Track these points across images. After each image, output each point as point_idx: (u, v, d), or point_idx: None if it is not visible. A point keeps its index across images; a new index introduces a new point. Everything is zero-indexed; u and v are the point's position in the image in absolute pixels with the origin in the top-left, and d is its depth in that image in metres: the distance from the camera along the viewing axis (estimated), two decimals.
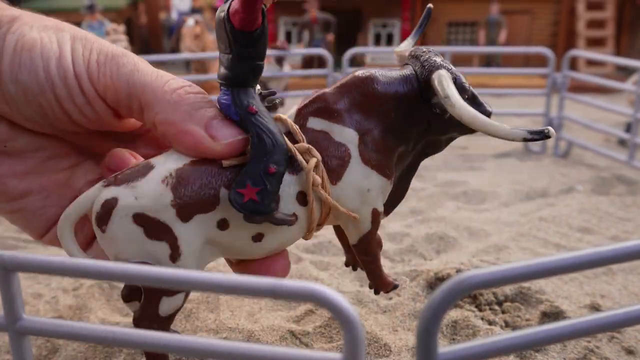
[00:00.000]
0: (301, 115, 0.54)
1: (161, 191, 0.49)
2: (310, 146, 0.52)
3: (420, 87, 0.55)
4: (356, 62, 4.16)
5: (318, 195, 0.52)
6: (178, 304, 0.52)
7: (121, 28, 2.36)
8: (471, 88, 0.56)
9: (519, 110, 2.09)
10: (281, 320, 0.69)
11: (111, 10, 4.31)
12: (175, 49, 4.20)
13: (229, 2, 0.48)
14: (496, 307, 0.72)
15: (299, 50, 1.77)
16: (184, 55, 2.53)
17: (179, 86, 0.51)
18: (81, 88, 0.50)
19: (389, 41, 4.35)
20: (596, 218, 1.07)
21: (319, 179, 0.52)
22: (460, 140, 1.82)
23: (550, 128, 0.50)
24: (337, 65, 1.64)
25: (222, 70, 0.50)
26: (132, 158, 0.56)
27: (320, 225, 0.55)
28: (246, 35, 0.48)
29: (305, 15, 3.85)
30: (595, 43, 4.12)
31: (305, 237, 0.56)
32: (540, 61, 4.17)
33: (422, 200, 1.17)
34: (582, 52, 1.58)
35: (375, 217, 0.57)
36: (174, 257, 0.50)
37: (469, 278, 0.31)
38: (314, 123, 0.54)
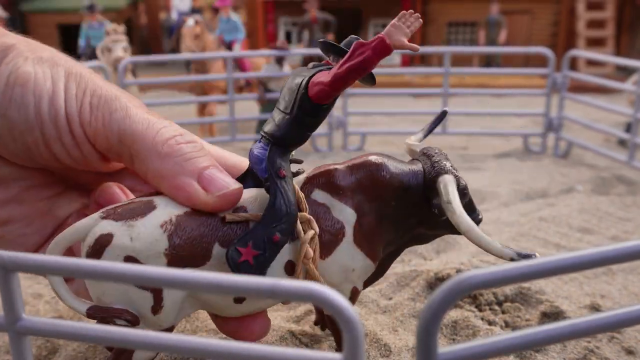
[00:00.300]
0: (308, 185, 0.55)
1: (157, 237, 0.48)
2: (311, 217, 0.52)
3: (425, 186, 0.56)
4: None
5: (306, 267, 0.52)
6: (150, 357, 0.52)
7: (121, 28, 2.36)
8: (469, 194, 0.58)
9: (519, 110, 2.09)
10: (281, 320, 0.69)
11: (111, 10, 4.32)
12: (175, 49, 4.20)
13: (315, 70, 0.50)
14: (496, 308, 0.72)
15: (299, 50, 1.77)
16: (184, 55, 2.53)
17: (170, 136, 0.49)
18: (71, 130, 0.49)
19: None
20: (596, 218, 1.07)
21: (311, 253, 0.51)
22: (461, 141, 1.82)
23: (537, 254, 0.50)
24: None
25: (272, 125, 0.51)
26: (123, 194, 0.56)
27: None
28: (315, 107, 0.50)
29: (305, 15, 3.85)
30: (595, 43, 4.12)
31: (284, 303, 0.57)
32: (540, 61, 4.17)
33: None
34: (582, 52, 1.58)
35: (354, 295, 0.57)
36: (155, 309, 0.49)
37: (469, 278, 0.31)
38: (318, 195, 0.55)
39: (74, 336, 0.36)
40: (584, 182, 1.31)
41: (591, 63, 3.91)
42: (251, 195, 0.53)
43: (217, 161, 0.52)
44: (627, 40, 4.27)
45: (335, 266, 0.54)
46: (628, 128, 1.80)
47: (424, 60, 4.32)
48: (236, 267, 0.48)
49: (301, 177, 0.56)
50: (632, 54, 4.08)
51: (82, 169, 0.53)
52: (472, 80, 3.35)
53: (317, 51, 1.61)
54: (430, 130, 0.64)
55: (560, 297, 0.75)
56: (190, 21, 2.76)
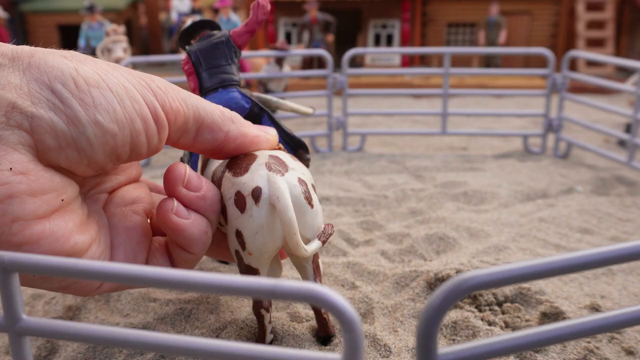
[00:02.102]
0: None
1: (301, 165, 0.62)
2: None
3: None
4: (356, 62, 4.16)
5: None
6: None
7: (121, 29, 2.36)
8: None
9: (518, 110, 2.09)
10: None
11: (111, 11, 4.31)
12: (175, 50, 4.20)
13: (223, 33, 0.70)
14: (496, 308, 0.72)
15: (298, 51, 1.76)
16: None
17: (228, 111, 0.59)
18: (155, 118, 0.49)
19: (389, 42, 4.35)
20: (596, 219, 1.07)
21: None
22: (460, 141, 1.82)
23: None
24: (337, 65, 1.64)
25: (225, 76, 0.67)
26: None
27: None
28: (239, 53, 0.70)
29: (305, 15, 3.85)
30: (595, 44, 4.12)
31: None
32: (540, 62, 4.17)
33: (422, 201, 1.17)
34: (581, 53, 1.58)
35: None
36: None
37: (469, 279, 0.31)
38: None
39: (74, 336, 0.36)
40: (584, 183, 1.31)
41: (591, 64, 3.91)
42: None
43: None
44: (626, 41, 4.27)
45: None
46: (628, 129, 1.80)
47: (424, 60, 4.32)
48: (304, 144, 0.68)
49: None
50: (631, 54, 4.09)
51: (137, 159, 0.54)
52: (472, 81, 3.35)
53: (317, 51, 1.61)
54: None
55: (560, 298, 0.75)
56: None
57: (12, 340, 0.37)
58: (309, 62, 3.95)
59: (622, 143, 1.76)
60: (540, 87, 3.12)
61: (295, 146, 0.68)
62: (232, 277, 0.33)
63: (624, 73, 3.76)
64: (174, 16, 5.31)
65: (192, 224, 0.54)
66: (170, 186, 0.55)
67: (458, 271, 0.79)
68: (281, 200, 0.54)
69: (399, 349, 0.63)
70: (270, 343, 0.64)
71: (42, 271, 0.35)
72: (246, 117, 0.67)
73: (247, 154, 0.60)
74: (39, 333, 0.36)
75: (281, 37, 4.40)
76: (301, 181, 0.57)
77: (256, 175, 0.56)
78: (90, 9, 3.28)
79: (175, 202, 0.54)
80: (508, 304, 0.72)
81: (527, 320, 0.70)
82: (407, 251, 0.91)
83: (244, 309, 0.72)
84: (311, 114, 0.79)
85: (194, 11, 5.12)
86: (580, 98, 1.59)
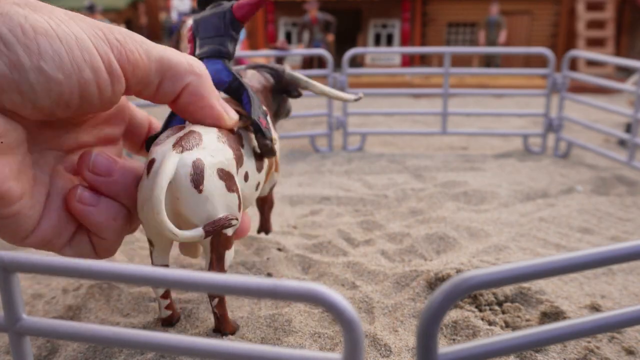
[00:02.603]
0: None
1: (223, 148, 0.58)
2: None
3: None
4: (356, 62, 4.16)
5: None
6: (232, 254, 0.62)
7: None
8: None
9: (519, 110, 2.09)
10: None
11: (111, 10, 4.31)
12: (176, 49, 4.19)
13: (228, 4, 0.70)
14: (496, 308, 0.72)
15: (299, 51, 1.76)
16: None
17: (199, 65, 0.58)
18: (107, 69, 0.49)
19: (389, 41, 4.35)
20: (596, 218, 1.07)
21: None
22: (460, 141, 1.82)
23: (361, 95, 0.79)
24: (337, 65, 1.64)
25: (213, 47, 0.69)
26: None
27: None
28: (239, 25, 0.70)
29: (305, 15, 3.85)
30: (595, 43, 4.12)
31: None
32: (540, 62, 4.17)
33: (422, 201, 1.17)
34: (582, 53, 1.58)
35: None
36: (239, 207, 0.59)
37: (469, 278, 0.31)
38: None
39: (74, 336, 0.36)
40: (584, 183, 1.31)
41: (591, 63, 3.91)
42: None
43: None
44: (626, 41, 4.27)
45: None
46: (628, 128, 1.80)
47: (424, 60, 4.32)
48: (261, 129, 0.66)
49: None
50: (631, 54, 4.09)
51: (93, 113, 0.54)
52: (472, 81, 3.36)
53: (317, 51, 1.61)
54: None
55: (560, 298, 0.75)
56: (190, 22, 2.76)
57: (13, 339, 0.37)
58: (309, 62, 3.95)
59: (622, 143, 1.76)
60: (541, 86, 3.12)
61: (254, 130, 0.67)
62: (233, 277, 0.33)
63: (624, 73, 3.76)
64: (174, 16, 5.31)
65: (98, 210, 0.54)
66: (79, 171, 0.55)
67: (458, 271, 0.79)
68: (156, 176, 0.53)
69: (399, 348, 0.64)
70: (168, 322, 0.67)
71: (43, 271, 0.35)
72: (225, 91, 0.68)
73: (190, 127, 0.59)
74: (39, 333, 0.36)
75: (281, 37, 4.40)
76: (197, 163, 0.55)
77: (160, 148, 0.56)
78: (91, 9, 3.28)
79: (80, 189, 0.54)
80: (508, 304, 0.72)
81: (527, 320, 0.70)
82: (407, 251, 0.91)
83: (244, 308, 0.72)
84: (348, 100, 0.81)
85: (194, 11, 5.11)
86: (580, 98, 1.59)
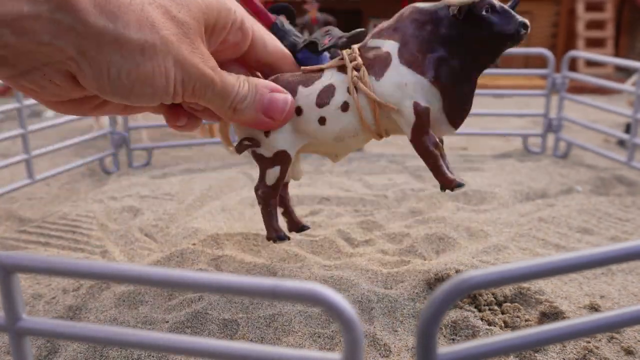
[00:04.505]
0: (365, 41, 0.74)
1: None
2: (356, 55, 0.72)
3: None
4: None
5: (360, 87, 0.70)
6: (277, 174, 0.75)
7: None
8: (502, 5, 0.69)
9: (518, 110, 2.09)
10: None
11: None
12: None
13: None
14: (496, 308, 0.72)
15: None
16: None
17: None
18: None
19: None
20: (596, 219, 1.07)
21: (356, 74, 0.70)
22: (460, 141, 1.82)
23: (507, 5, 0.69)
24: None
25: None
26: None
27: (378, 128, 0.72)
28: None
29: (305, 15, 3.85)
30: (594, 44, 4.12)
31: (368, 134, 0.74)
32: (540, 62, 4.17)
33: (422, 201, 1.17)
34: (581, 53, 1.58)
35: (418, 110, 0.69)
36: (266, 134, 0.74)
37: (469, 278, 0.31)
38: (372, 42, 0.73)
39: (74, 336, 0.36)
40: (584, 183, 1.31)
41: (591, 64, 3.91)
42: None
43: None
44: (626, 41, 4.28)
45: (389, 84, 0.69)
46: (627, 129, 1.80)
47: None
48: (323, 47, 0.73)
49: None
50: (631, 54, 4.09)
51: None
52: None
53: None
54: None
55: (559, 298, 0.75)
56: None
57: (13, 340, 0.37)
58: None
59: (621, 143, 1.76)
60: (540, 87, 3.12)
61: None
62: (233, 277, 0.33)
63: (624, 73, 3.76)
64: None
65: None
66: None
67: (458, 271, 0.79)
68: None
69: (399, 348, 0.64)
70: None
71: (43, 271, 0.35)
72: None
73: None
74: (40, 333, 0.37)
75: None
76: None
77: None
78: None
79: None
80: (508, 304, 0.72)
81: (526, 320, 0.70)
82: (406, 251, 0.91)
83: (244, 308, 0.72)
84: None
85: None
86: (580, 98, 1.59)
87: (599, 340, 0.66)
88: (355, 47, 0.73)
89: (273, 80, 0.72)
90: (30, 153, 1.22)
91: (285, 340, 0.66)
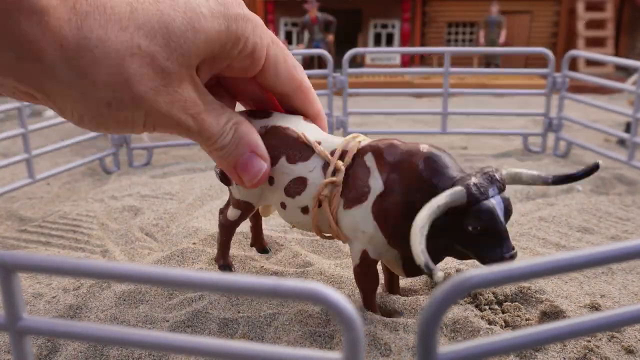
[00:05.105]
0: (367, 147, 0.66)
1: None
2: (342, 168, 0.64)
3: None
4: (356, 62, 4.16)
5: (323, 207, 0.65)
6: (237, 215, 0.75)
7: None
8: (492, 222, 0.56)
9: (519, 110, 2.09)
10: None
11: None
12: None
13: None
14: (496, 307, 0.72)
15: (299, 51, 1.76)
16: None
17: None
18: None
19: (389, 41, 4.35)
20: (596, 218, 1.07)
21: (326, 193, 0.65)
22: (460, 140, 1.82)
23: (440, 274, 0.52)
24: (337, 65, 1.64)
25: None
26: None
27: (333, 234, 0.68)
28: None
29: (306, 15, 3.85)
30: (594, 43, 4.12)
31: (315, 232, 0.70)
32: (540, 61, 4.17)
33: None
34: (581, 53, 1.58)
35: (364, 257, 0.65)
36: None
37: (469, 278, 0.31)
38: (368, 158, 0.64)
39: (74, 335, 0.36)
40: (584, 182, 1.31)
41: (591, 63, 3.91)
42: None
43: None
44: (626, 41, 4.27)
45: (349, 220, 0.64)
46: (628, 128, 1.80)
47: (424, 60, 4.32)
48: None
49: (368, 140, 0.67)
50: (631, 54, 4.09)
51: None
52: (472, 80, 3.35)
53: (317, 51, 1.61)
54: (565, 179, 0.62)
55: (560, 297, 0.75)
56: None
57: (13, 339, 0.37)
58: (309, 62, 3.95)
59: (622, 142, 1.76)
60: (540, 86, 3.11)
61: None
62: (234, 277, 0.33)
63: (624, 72, 3.76)
64: None
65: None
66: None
67: (458, 270, 0.79)
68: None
69: (399, 347, 0.64)
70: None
71: (43, 271, 0.35)
72: None
73: None
74: (40, 332, 0.37)
75: (281, 37, 4.39)
76: None
77: None
78: None
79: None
80: (508, 303, 0.72)
81: (527, 319, 0.70)
82: None
83: (244, 307, 0.72)
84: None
85: None
86: (580, 97, 1.59)
87: (600, 339, 0.66)
88: (353, 150, 0.65)
89: (266, 130, 0.68)
90: (30, 152, 1.22)
91: (285, 339, 0.66)
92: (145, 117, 0.55)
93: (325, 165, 0.66)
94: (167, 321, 0.70)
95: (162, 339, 0.34)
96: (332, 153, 0.66)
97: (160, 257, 0.86)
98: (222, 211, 0.78)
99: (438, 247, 0.60)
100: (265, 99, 0.72)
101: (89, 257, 0.92)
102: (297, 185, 0.67)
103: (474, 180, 0.57)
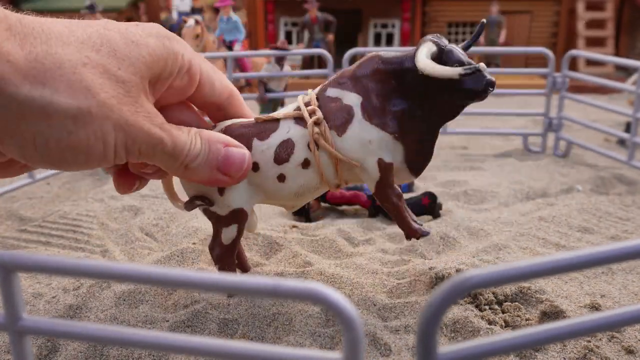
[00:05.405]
0: (322, 87, 0.70)
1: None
2: (316, 108, 0.67)
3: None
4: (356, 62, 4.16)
5: (321, 144, 0.66)
6: (234, 233, 0.70)
7: None
8: (470, 61, 0.65)
9: (519, 110, 2.09)
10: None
11: (112, 10, 4.31)
12: None
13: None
14: (496, 307, 0.72)
15: (299, 51, 1.76)
16: None
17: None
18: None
19: (389, 41, 4.35)
20: (596, 218, 1.07)
21: (317, 130, 0.66)
22: (461, 140, 1.82)
23: (482, 64, 0.64)
24: (337, 65, 1.64)
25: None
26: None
27: (339, 181, 0.69)
28: None
29: (306, 15, 3.85)
30: (594, 43, 4.12)
31: (327, 187, 0.70)
32: (540, 61, 4.17)
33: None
34: (581, 52, 1.58)
35: (382, 167, 0.67)
36: (220, 192, 0.69)
37: (469, 278, 0.31)
38: (330, 92, 0.69)
39: (74, 335, 0.36)
40: (584, 182, 1.31)
41: (591, 63, 3.91)
42: None
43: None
44: (626, 41, 4.27)
45: (351, 141, 0.66)
46: (628, 128, 1.80)
47: None
48: None
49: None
50: (631, 54, 4.09)
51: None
52: None
53: (317, 51, 1.61)
54: (469, 44, 0.70)
55: (560, 297, 0.75)
56: (190, 21, 2.76)
57: (13, 339, 0.37)
58: (309, 62, 3.95)
59: (622, 142, 1.76)
60: (540, 86, 3.11)
61: None
62: (234, 277, 0.33)
63: (624, 72, 3.76)
64: (174, 15, 5.31)
65: None
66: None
67: (458, 270, 0.79)
68: None
69: (399, 347, 0.64)
70: None
71: (43, 271, 0.35)
72: None
73: None
74: (40, 332, 0.37)
75: (281, 37, 4.40)
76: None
77: None
78: (91, 8, 3.28)
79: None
80: (508, 303, 0.72)
81: (527, 319, 0.70)
82: (407, 250, 0.91)
83: (244, 307, 0.72)
84: None
85: (194, 10, 5.12)
86: (580, 97, 1.59)
87: (600, 339, 0.66)
88: (314, 95, 0.69)
89: (224, 131, 0.67)
90: None
91: (285, 339, 0.66)
92: (116, 132, 0.51)
93: (298, 120, 0.68)
94: (167, 321, 0.70)
95: (162, 339, 0.34)
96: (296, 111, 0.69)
97: (160, 257, 0.86)
98: (212, 247, 0.72)
99: (428, 119, 0.68)
100: (199, 123, 0.67)
101: (89, 257, 0.92)
102: (286, 148, 0.67)
103: (429, 37, 0.66)
